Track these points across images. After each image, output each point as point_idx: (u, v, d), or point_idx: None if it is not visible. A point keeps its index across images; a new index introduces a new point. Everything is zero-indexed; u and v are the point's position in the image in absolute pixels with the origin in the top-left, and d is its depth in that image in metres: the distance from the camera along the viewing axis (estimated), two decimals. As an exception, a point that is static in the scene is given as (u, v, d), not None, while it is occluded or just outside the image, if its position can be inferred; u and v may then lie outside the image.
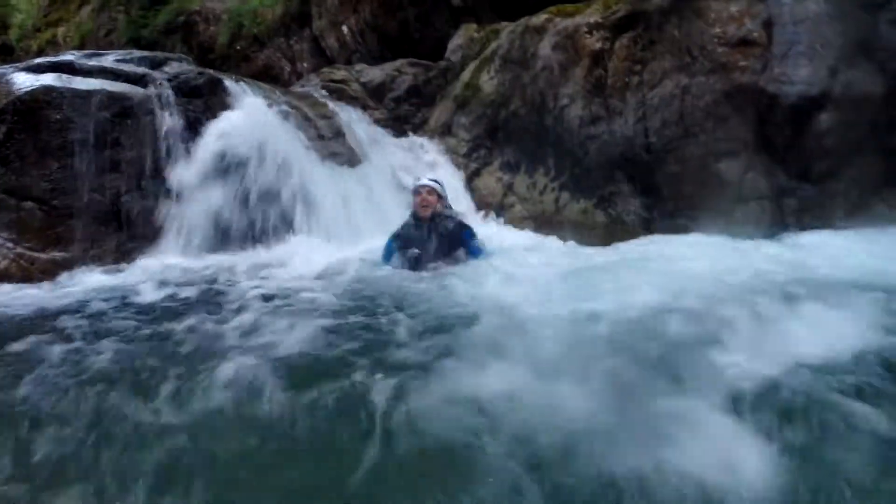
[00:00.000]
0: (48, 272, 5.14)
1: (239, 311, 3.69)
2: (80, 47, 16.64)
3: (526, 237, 6.04)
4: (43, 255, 5.26)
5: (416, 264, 4.62)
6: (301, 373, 2.59)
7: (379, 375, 2.45)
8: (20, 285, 4.81)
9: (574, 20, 6.82)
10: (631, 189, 5.89)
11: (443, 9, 9.15)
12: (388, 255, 4.87)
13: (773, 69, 5.50)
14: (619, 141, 5.98)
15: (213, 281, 4.66)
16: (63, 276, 5.03)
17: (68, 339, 3.20)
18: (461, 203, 6.51)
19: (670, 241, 4.97)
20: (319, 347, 2.91)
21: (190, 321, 3.48)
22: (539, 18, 7.16)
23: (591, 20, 6.66)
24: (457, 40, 8.12)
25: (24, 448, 2.08)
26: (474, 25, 8.13)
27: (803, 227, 5.22)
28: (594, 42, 6.47)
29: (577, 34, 6.63)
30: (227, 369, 2.57)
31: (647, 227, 5.74)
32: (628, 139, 5.93)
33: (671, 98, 5.81)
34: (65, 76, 5.87)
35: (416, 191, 4.90)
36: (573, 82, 6.45)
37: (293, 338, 3.04)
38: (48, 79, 5.74)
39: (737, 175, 5.46)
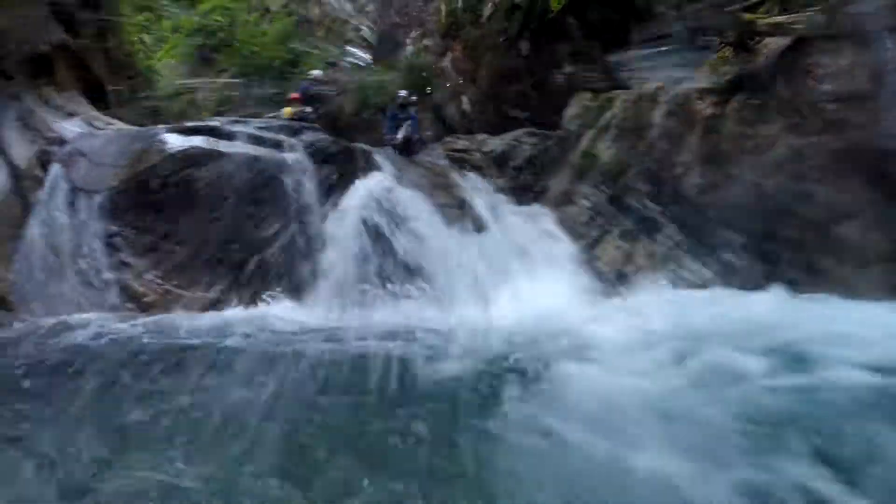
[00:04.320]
0: (188, 308, 5.95)
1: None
2: (217, 111, 18.74)
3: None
4: (185, 293, 6.09)
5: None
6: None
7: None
8: (163, 316, 5.69)
9: (684, 86, 7.02)
10: (750, 256, 5.94)
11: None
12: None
13: (883, 122, 5.35)
14: (736, 207, 6.07)
15: (327, 330, 5.30)
16: (200, 313, 5.78)
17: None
18: (575, 271, 6.85)
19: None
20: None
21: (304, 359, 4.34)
22: (651, 86, 7.42)
23: (701, 85, 6.84)
24: (572, 109, 8.47)
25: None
26: (588, 94, 8.47)
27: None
28: (706, 108, 6.64)
29: (688, 101, 6.83)
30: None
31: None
32: (744, 205, 6.01)
33: (784, 161, 5.85)
34: (212, 139, 6.79)
35: None
36: (688, 149, 6.64)
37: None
38: (197, 140, 6.70)
39: (858, 237, 5.36)
